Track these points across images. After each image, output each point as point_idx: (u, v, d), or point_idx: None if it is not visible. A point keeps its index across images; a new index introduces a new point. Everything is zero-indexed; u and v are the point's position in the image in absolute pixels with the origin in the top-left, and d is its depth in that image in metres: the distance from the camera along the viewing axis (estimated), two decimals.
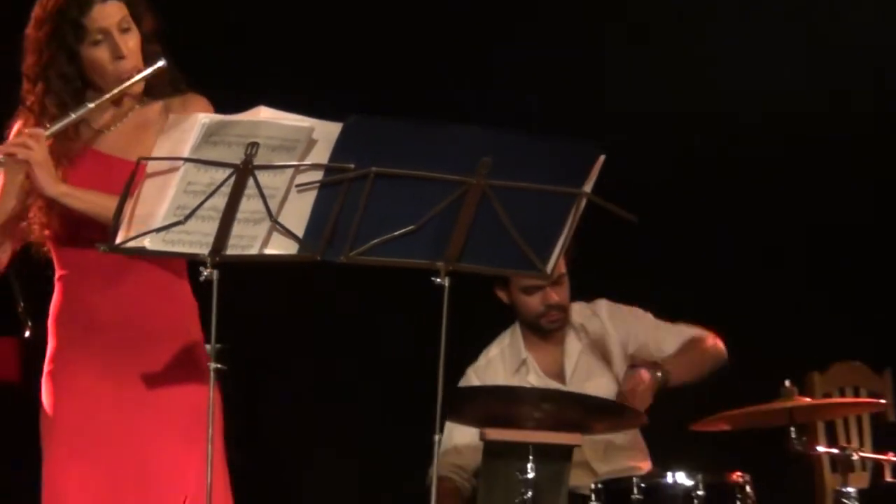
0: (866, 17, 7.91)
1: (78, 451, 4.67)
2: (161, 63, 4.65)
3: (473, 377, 6.09)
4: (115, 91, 4.60)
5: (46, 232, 4.72)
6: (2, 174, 4.52)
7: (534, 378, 6.05)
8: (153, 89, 4.71)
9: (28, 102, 4.62)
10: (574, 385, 6.01)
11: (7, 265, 4.68)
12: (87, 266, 4.67)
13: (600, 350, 6.14)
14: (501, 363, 6.11)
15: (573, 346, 6.13)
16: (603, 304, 6.26)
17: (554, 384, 6.03)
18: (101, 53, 4.62)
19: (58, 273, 4.74)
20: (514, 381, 6.04)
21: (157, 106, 4.66)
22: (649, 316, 6.25)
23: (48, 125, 4.49)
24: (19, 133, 4.56)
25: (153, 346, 4.72)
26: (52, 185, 4.46)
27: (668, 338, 6.19)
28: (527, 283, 5.85)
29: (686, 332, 6.19)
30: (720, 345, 6.18)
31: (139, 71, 4.65)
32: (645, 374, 5.93)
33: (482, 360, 6.12)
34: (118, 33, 4.62)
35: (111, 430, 4.66)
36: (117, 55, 4.62)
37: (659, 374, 5.94)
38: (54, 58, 4.61)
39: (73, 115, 4.54)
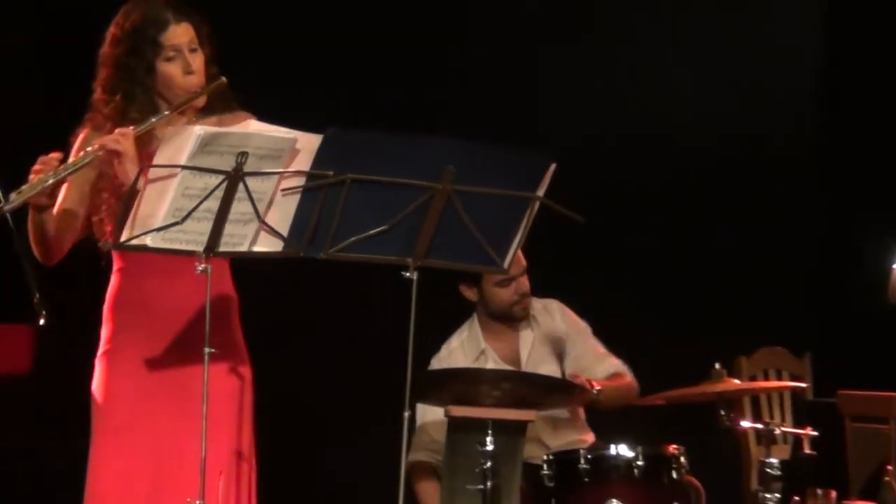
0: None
1: (127, 424, 4.65)
2: (222, 80, 4.69)
3: (437, 367, 6.09)
4: (185, 101, 4.63)
5: (108, 228, 4.70)
6: (68, 181, 4.53)
7: (492, 365, 6.05)
8: (210, 105, 4.73)
9: (106, 111, 4.62)
10: (528, 369, 6.02)
11: (54, 261, 4.67)
12: (146, 260, 4.61)
13: (551, 342, 6.15)
14: (462, 353, 6.11)
15: (527, 335, 6.14)
16: (555, 304, 6.25)
17: (511, 369, 6.03)
18: (174, 68, 4.64)
19: (117, 265, 4.71)
20: (475, 367, 6.03)
21: (213, 120, 4.65)
22: (590, 332, 6.22)
23: (132, 127, 4.51)
24: (86, 140, 4.60)
25: (203, 327, 4.60)
26: (134, 176, 4.46)
27: (599, 364, 6.14)
28: (500, 277, 5.86)
29: (614, 363, 6.15)
30: (635, 384, 6.13)
31: (203, 87, 4.68)
32: (589, 383, 5.93)
33: (444, 350, 6.13)
34: (188, 52, 4.66)
35: (160, 408, 4.65)
36: (188, 70, 4.65)
37: (597, 393, 5.94)
38: (135, 71, 4.63)
39: (154, 119, 4.56)
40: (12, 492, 5.37)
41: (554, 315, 6.20)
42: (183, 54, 4.65)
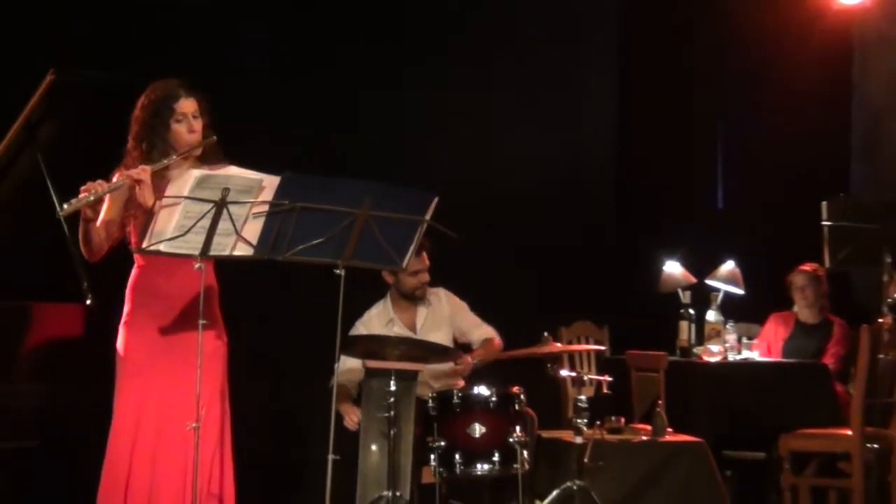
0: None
1: (139, 372, 4.60)
2: (213, 139, 4.64)
3: (360, 327, 6.00)
4: (185, 151, 4.59)
5: (133, 237, 4.67)
6: (109, 197, 4.46)
7: (397, 329, 5.99)
8: (205, 156, 4.66)
9: (134, 154, 4.56)
10: (421, 335, 5.95)
11: (95, 259, 4.58)
12: (157, 261, 4.55)
13: (438, 317, 6.12)
14: (378, 319, 6.05)
15: (423, 311, 6.06)
16: (442, 291, 6.15)
17: (409, 333, 5.98)
18: (182, 128, 4.60)
19: (137, 263, 4.65)
20: (385, 331, 5.98)
21: (206, 166, 4.56)
22: (468, 308, 6.14)
23: (151, 165, 4.48)
24: (120, 174, 4.53)
25: (195, 312, 4.55)
26: (150, 199, 4.44)
27: (476, 331, 6.09)
28: (412, 269, 5.79)
29: (487, 330, 6.09)
30: (500, 343, 6.04)
31: (200, 143, 4.64)
32: (468, 359, 5.90)
33: (365, 316, 6.04)
34: (192, 118, 4.62)
35: (164, 361, 4.57)
36: (191, 130, 4.61)
37: (473, 360, 5.90)
38: (155, 128, 4.58)
39: (165, 161, 4.51)
40: (64, 423, 5.22)
41: (441, 299, 6.12)
42: (188, 119, 4.61)
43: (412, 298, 6.04)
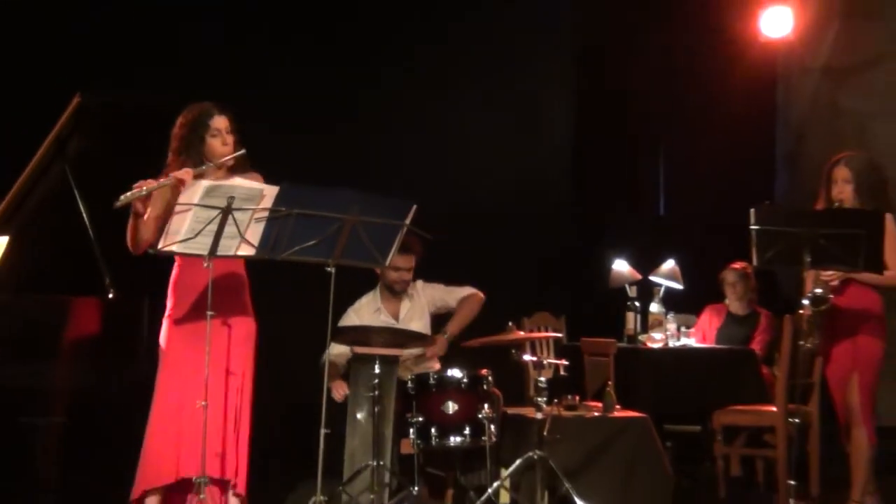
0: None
1: (181, 362, 4.58)
2: (242, 152, 4.64)
3: (352, 314, 5.94)
4: (219, 162, 4.60)
5: None
6: (155, 193, 4.47)
7: (384, 317, 5.92)
8: (235, 167, 4.66)
9: (174, 167, 4.55)
10: (403, 324, 5.91)
11: (139, 251, 4.56)
12: (194, 258, 4.50)
13: (418, 308, 6.00)
14: (367, 307, 5.96)
15: (406, 303, 5.96)
16: (419, 283, 6.05)
17: (393, 321, 5.92)
18: (215, 142, 4.61)
19: (177, 261, 4.64)
20: (373, 318, 5.92)
21: (236, 177, 4.56)
22: (441, 285, 6.05)
23: (192, 169, 4.48)
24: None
25: (228, 303, 4.62)
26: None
27: (451, 295, 5.99)
28: (395, 265, 5.67)
29: (463, 289, 6.00)
30: (479, 295, 5.97)
31: (233, 155, 4.63)
32: (441, 339, 5.86)
33: (357, 304, 5.95)
34: (225, 133, 4.62)
35: (201, 351, 4.48)
36: (224, 144, 4.62)
37: (446, 335, 5.87)
38: (192, 141, 4.60)
39: (203, 167, 4.52)
40: (91, 403, 5.18)
41: (419, 290, 6.03)
42: (222, 134, 4.62)
43: (393, 291, 6.00)
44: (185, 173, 4.43)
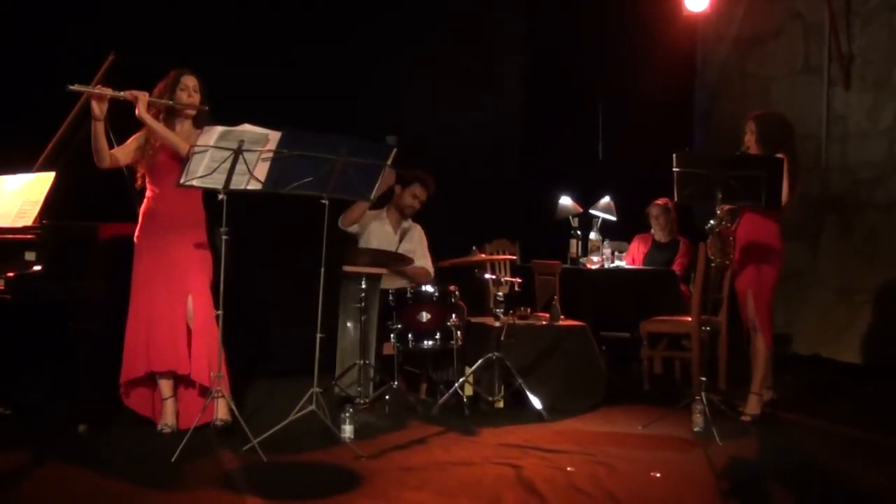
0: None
1: (150, 278, 4.61)
2: (205, 108, 4.64)
3: (369, 215, 5.81)
4: (178, 105, 4.60)
5: (147, 176, 4.64)
6: (133, 138, 4.50)
7: (387, 227, 5.82)
8: (196, 120, 4.64)
9: (153, 111, 4.57)
10: (396, 238, 5.83)
11: (103, 166, 4.52)
12: (162, 191, 4.57)
13: (408, 236, 5.86)
14: (375, 214, 5.82)
15: (404, 225, 5.86)
16: (418, 227, 5.96)
17: (389, 230, 5.82)
18: (182, 94, 4.63)
19: (148, 193, 4.65)
20: (377, 223, 5.80)
21: (197, 130, 4.52)
22: (426, 243, 5.96)
23: (149, 98, 4.51)
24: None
25: (187, 230, 4.60)
26: (145, 116, 4.48)
27: (421, 259, 5.87)
28: (413, 193, 5.73)
29: (426, 263, 5.89)
30: (431, 273, 5.85)
31: (193, 105, 4.62)
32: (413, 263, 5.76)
33: (375, 209, 5.80)
34: (192, 89, 4.63)
35: (166, 268, 4.59)
36: (189, 96, 4.62)
37: (409, 271, 5.77)
38: (167, 89, 4.63)
39: (164, 101, 4.57)
40: (119, 311, 5.02)
41: (416, 230, 5.94)
42: (189, 90, 4.63)
43: (403, 214, 5.92)
44: (142, 94, 4.45)
